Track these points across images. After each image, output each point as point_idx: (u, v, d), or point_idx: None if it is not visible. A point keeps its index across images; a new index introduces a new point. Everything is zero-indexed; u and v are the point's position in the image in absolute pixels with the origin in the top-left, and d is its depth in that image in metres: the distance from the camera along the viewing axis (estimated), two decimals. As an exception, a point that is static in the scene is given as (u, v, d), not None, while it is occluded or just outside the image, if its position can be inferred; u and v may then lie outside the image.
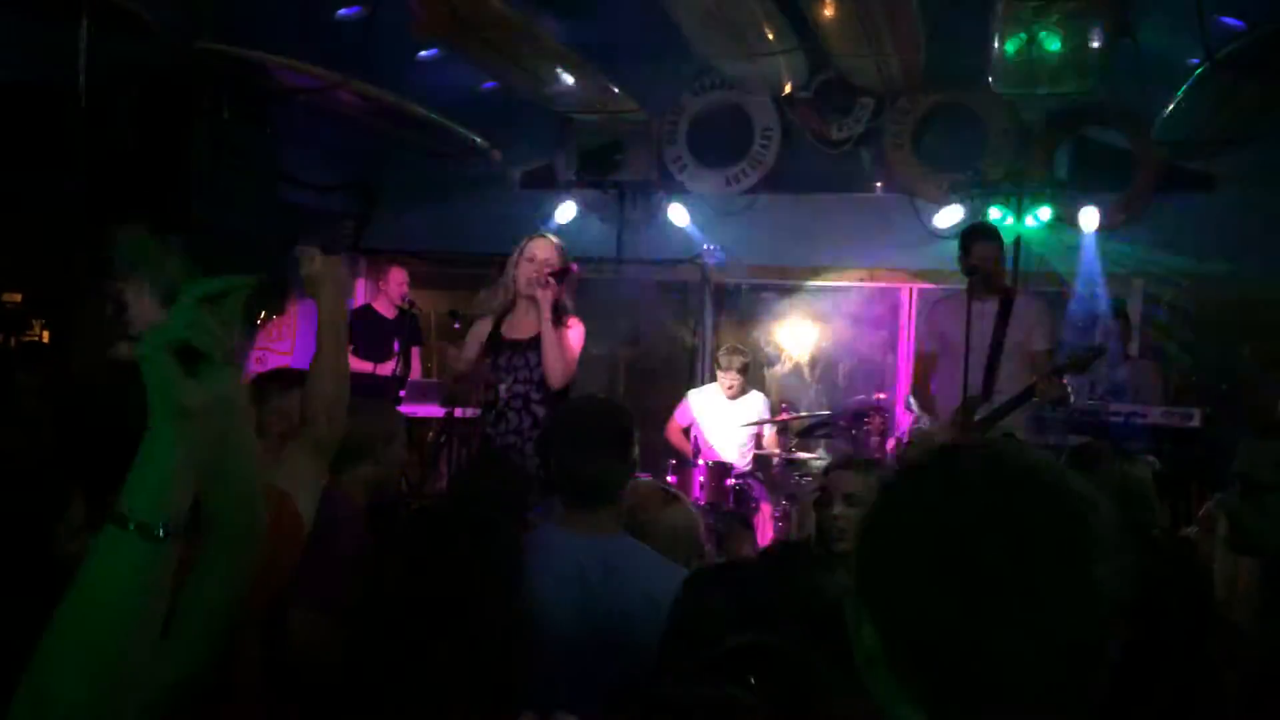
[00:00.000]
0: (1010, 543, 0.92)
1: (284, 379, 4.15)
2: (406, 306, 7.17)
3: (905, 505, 1.00)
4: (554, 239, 4.71)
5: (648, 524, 2.95)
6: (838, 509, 3.08)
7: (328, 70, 5.69)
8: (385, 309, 7.48)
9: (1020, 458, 0.99)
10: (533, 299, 4.55)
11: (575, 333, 4.61)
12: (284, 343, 8.39)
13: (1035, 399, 4.88)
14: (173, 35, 4.79)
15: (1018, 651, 0.90)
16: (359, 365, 6.86)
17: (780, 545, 3.01)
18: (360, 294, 8.42)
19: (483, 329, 4.65)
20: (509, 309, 4.64)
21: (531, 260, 4.58)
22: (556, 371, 4.47)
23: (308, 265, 2.57)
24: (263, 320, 8.02)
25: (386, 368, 6.89)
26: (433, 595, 1.87)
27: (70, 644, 1.08)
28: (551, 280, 4.51)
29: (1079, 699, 0.93)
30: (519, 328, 4.61)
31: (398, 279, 7.48)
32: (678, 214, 7.86)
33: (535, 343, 4.52)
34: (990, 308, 5.09)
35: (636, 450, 2.72)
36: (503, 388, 4.50)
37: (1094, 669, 0.93)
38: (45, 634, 1.08)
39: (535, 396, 4.51)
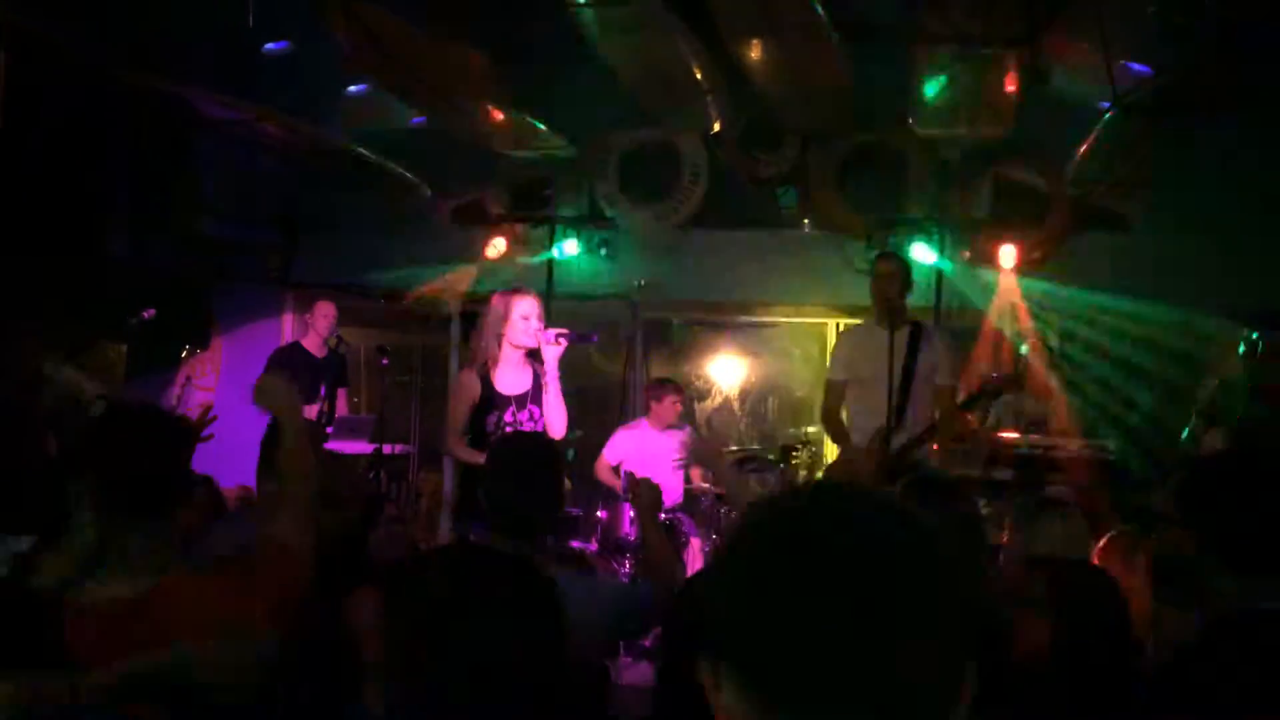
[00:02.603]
0: (859, 584, 0.91)
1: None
2: (334, 344, 7.05)
3: (756, 556, 0.97)
4: (534, 294, 4.83)
5: None
6: None
7: (252, 103, 5.66)
8: (314, 346, 7.19)
9: (862, 496, 0.99)
10: (527, 353, 4.69)
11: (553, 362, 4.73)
12: (208, 378, 8.26)
13: (937, 435, 4.94)
14: (93, 67, 4.73)
15: (886, 691, 0.90)
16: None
17: None
18: (288, 331, 8.29)
19: (471, 389, 4.67)
20: (495, 364, 4.70)
21: (527, 319, 4.66)
22: (562, 422, 4.67)
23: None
24: (187, 354, 7.89)
25: (312, 410, 6.57)
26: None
27: None
28: (564, 340, 4.65)
29: None
30: (511, 382, 4.69)
31: (324, 313, 7.20)
32: (608, 250, 7.92)
33: (532, 396, 4.66)
34: (900, 339, 5.13)
35: (564, 486, 2.80)
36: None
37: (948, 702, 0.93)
38: None
39: None
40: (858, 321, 7.45)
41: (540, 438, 3.19)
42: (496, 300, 4.77)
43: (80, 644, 1.97)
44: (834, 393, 5.48)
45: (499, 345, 4.66)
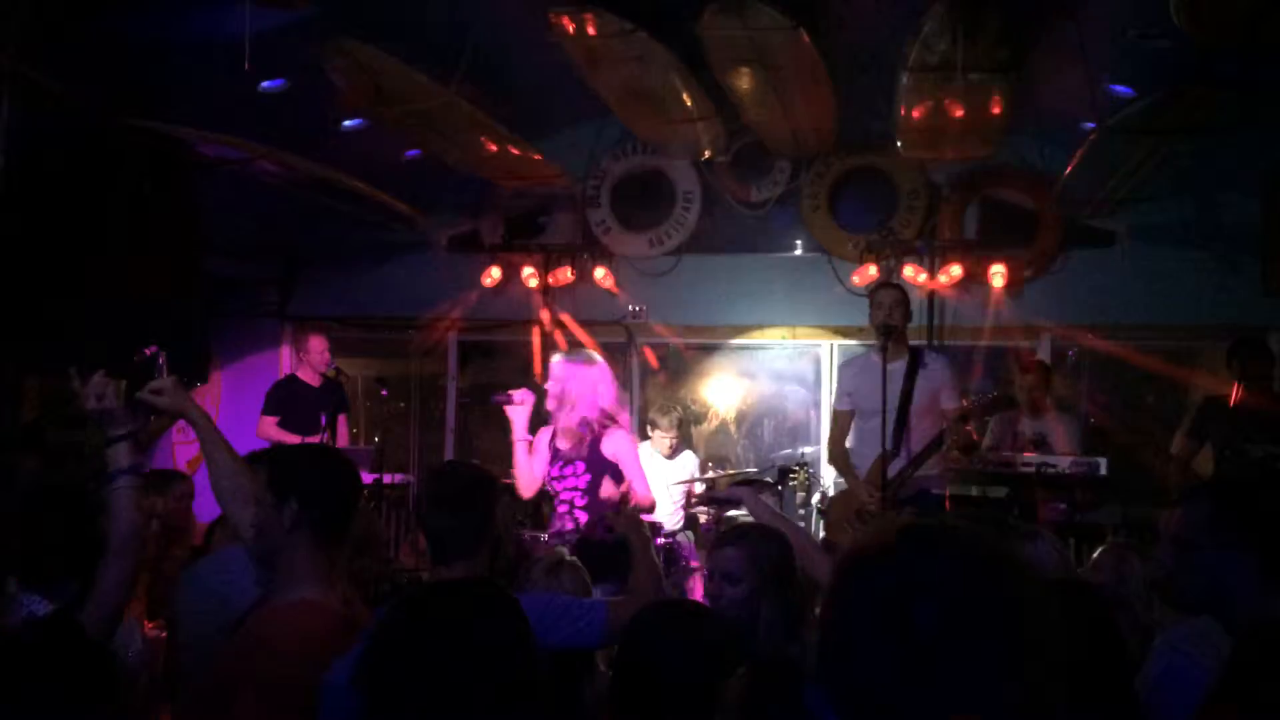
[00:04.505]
0: (952, 614, 0.97)
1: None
2: (332, 374, 7.12)
3: (857, 591, 1.03)
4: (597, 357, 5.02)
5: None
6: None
7: (250, 141, 5.72)
8: (310, 378, 7.33)
9: (962, 533, 1.05)
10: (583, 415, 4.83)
11: (627, 442, 4.93)
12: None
13: (944, 446, 4.97)
14: (93, 111, 4.79)
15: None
16: (288, 438, 6.80)
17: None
18: (285, 364, 8.34)
19: (540, 441, 4.96)
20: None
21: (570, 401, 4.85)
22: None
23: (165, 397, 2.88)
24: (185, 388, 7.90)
25: (313, 440, 6.72)
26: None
27: None
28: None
29: None
30: (566, 438, 4.89)
31: (317, 347, 7.33)
32: (603, 276, 7.98)
33: (577, 454, 4.82)
34: (899, 366, 5.15)
35: (487, 509, 2.85)
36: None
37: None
38: None
39: (579, 503, 4.81)
40: (852, 343, 7.56)
41: (470, 468, 3.21)
42: None
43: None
44: (842, 423, 5.48)
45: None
